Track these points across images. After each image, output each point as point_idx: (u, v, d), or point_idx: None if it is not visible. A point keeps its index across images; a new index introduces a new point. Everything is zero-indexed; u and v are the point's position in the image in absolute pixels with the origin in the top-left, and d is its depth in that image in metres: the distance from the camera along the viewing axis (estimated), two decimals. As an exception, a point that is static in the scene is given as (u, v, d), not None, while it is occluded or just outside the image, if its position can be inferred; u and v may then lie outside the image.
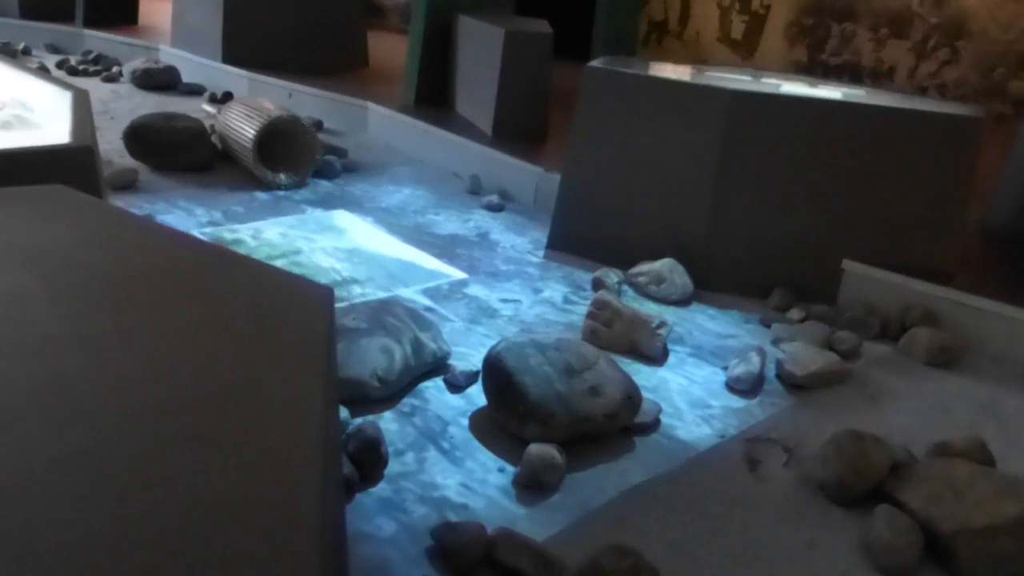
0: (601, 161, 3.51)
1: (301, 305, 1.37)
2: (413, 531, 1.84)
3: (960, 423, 2.50)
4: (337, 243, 3.52)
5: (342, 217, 3.83)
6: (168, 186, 4.05)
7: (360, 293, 3.02)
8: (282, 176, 4.16)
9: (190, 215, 3.69)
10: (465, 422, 2.28)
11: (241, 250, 3.23)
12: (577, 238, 3.58)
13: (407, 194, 4.31)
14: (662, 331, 2.76)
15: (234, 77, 6.32)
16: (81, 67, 6.65)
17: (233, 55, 6.50)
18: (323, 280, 3.00)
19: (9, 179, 1.76)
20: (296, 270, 3.07)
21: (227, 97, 5.90)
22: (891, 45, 6.96)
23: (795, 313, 3.14)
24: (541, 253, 3.61)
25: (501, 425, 2.23)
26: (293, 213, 3.81)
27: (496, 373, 2.24)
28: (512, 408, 2.17)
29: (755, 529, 1.96)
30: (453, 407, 2.35)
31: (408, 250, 3.51)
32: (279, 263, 3.13)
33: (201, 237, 3.29)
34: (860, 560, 1.89)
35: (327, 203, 4.02)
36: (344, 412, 2.15)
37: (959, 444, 2.20)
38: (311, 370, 1.17)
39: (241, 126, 4.16)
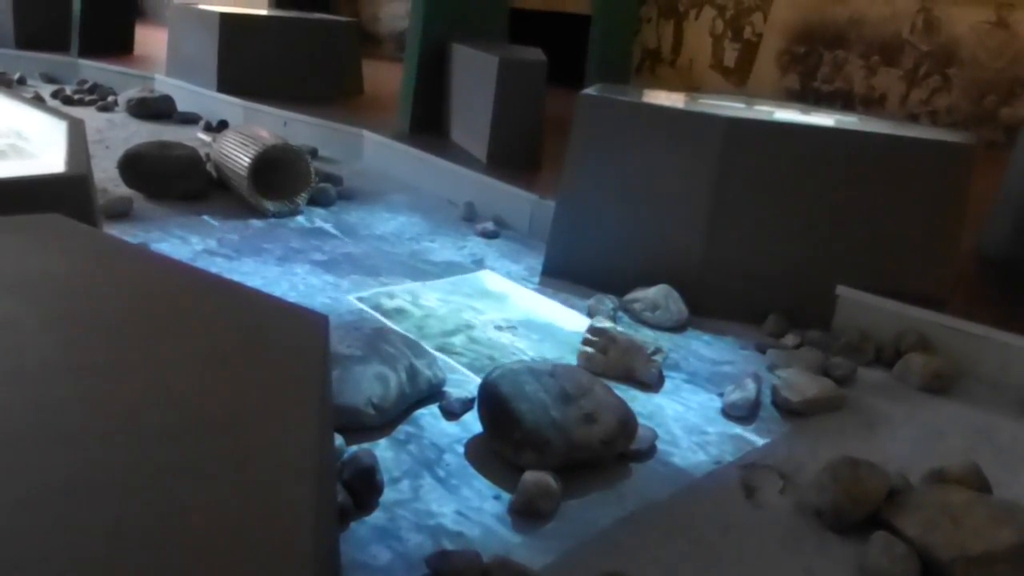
0: (595, 188, 3.52)
1: (296, 332, 1.36)
2: (408, 560, 1.83)
3: (955, 449, 2.49)
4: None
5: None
6: (163, 214, 4.06)
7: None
8: (277, 204, 4.16)
9: (185, 243, 3.69)
10: (460, 449, 2.28)
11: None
12: (572, 265, 3.59)
13: (402, 221, 4.31)
14: (657, 357, 2.76)
15: (229, 106, 6.35)
16: (76, 96, 6.68)
17: (228, 84, 6.54)
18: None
19: (4, 208, 1.76)
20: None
21: (222, 125, 5.93)
22: (882, 73, 7.02)
23: (790, 339, 3.14)
24: (536, 280, 3.61)
25: (496, 452, 2.22)
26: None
27: (491, 400, 2.23)
28: (507, 435, 2.17)
29: (752, 556, 1.95)
30: (448, 434, 2.35)
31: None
32: (457, 340, 2.90)
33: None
34: (858, 587, 1.88)
35: (324, 233, 4.02)
36: (339, 440, 2.14)
37: (955, 470, 2.19)
38: (306, 398, 1.17)
39: (236, 154, 4.17)
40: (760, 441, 2.47)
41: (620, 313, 3.28)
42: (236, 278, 3.01)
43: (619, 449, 2.24)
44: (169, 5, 9.32)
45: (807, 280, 3.28)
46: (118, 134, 5.62)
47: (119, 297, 1.45)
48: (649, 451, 2.33)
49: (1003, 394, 2.88)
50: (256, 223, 4.06)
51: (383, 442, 2.27)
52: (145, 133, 5.59)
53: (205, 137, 5.57)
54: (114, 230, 3.61)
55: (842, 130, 3.37)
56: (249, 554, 0.87)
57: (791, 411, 2.63)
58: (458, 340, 2.93)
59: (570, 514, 2.04)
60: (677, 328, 3.20)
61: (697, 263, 3.33)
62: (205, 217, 4.05)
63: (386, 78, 7.56)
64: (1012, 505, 2.04)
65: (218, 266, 3.44)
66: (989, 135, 6.51)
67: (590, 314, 3.19)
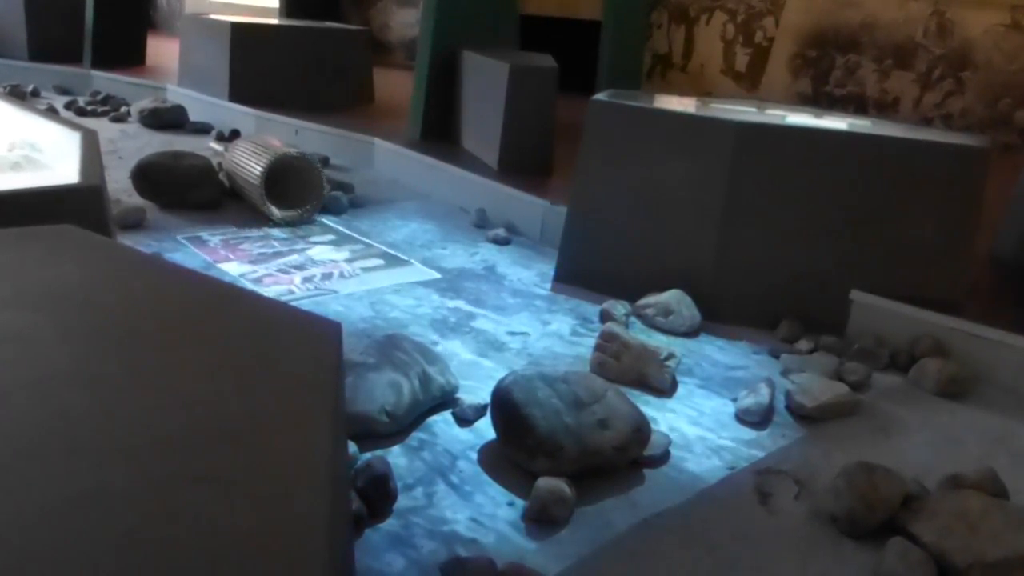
0: (607, 194, 3.52)
1: (309, 340, 1.37)
2: (422, 567, 1.82)
3: (972, 455, 2.48)
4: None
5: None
6: (176, 224, 4.07)
7: None
8: (289, 212, 4.18)
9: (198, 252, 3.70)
10: (474, 456, 2.28)
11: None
12: (584, 271, 3.58)
13: (414, 228, 4.32)
14: (670, 363, 2.76)
15: (241, 115, 6.37)
16: (89, 108, 6.72)
17: (239, 93, 6.57)
18: None
19: (19, 219, 1.77)
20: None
21: (234, 135, 5.95)
22: (895, 76, 7.00)
23: (804, 344, 3.13)
24: (548, 286, 3.61)
25: (510, 459, 2.22)
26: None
27: (504, 406, 2.23)
28: (521, 441, 2.17)
29: (767, 563, 1.94)
30: (462, 441, 2.35)
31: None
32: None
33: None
34: (874, 593, 1.87)
35: (336, 240, 4.03)
36: (352, 447, 2.14)
37: (971, 476, 2.18)
38: (319, 405, 1.17)
39: (248, 163, 4.18)
40: (774, 447, 2.46)
41: (632, 318, 3.27)
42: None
43: (632, 455, 2.24)
44: (180, 16, 9.38)
45: (821, 285, 3.27)
46: (131, 144, 5.65)
47: (133, 307, 1.46)
48: (663, 457, 2.32)
49: (1019, 399, 2.86)
50: (268, 232, 4.07)
51: (396, 449, 2.27)
52: (157, 143, 5.62)
53: (217, 147, 5.59)
54: (127, 240, 3.63)
55: (855, 134, 3.35)
56: (264, 563, 0.87)
57: (805, 416, 2.62)
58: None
59: (584, 521, 2.04)
60: (690, 333, 3.19)
61: (709, 268, 3.32)
62: (217, 226, 4.06)
63: (397, 86, 7.58)
64: (1029, 510, 2.02)
65: (219, 268, 3.44)
66: (1004, 138, 6.48)
67: (602, 320, 3.18)
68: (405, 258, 3.84)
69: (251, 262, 3.63)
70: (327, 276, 3.54)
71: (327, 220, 4.29)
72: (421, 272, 3.68)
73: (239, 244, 3.83)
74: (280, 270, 3.58)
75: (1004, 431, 2.64)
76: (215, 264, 3.54)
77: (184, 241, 3.79)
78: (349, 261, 3.75)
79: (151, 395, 1.16)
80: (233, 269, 3.53)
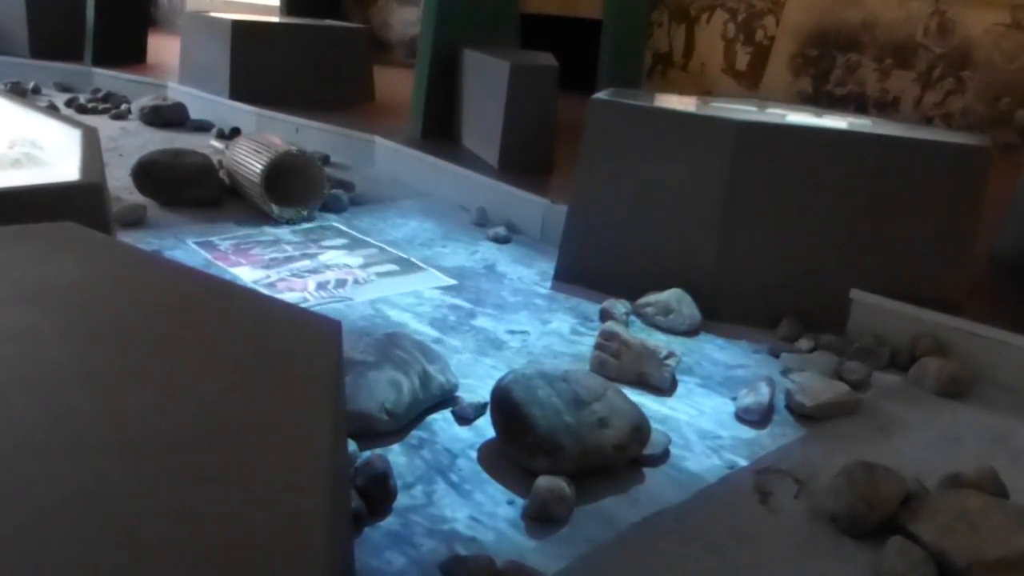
0: (607, 192, 3.52)
1: (310, 339, 1.36)
2: (422, 565, 1.82)
3: (972, 454, 2.48)
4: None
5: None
6: (176, 222, 4.07)
7: None
8: (289, 210, 4.17)
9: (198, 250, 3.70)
10: (474, 454, 2.27)
11: None
12: (584, 269, 3.58)
13: (414, 227, 4.32)
14: (670, 362, 2.75)
15: (241, 113, 6.37)
16: (90, 105, 6.72)
17: (240, 91, 6.57)
18: None
19: (19, 216, 1.77)
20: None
21: (235, 133, 5.95)
22: (896, 75, 6.99)
23: (804, 343, 3.13)
24: (548, 284, 3.61)
25: (510, 457, 2.22)
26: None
27: (504, 405, 2.23)
28: (520, 440, 2.17)
29: (767, 562, 1.94)
30: (461, 439, 2.35)
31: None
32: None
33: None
34: (873, 593, 1.87)
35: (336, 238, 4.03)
36: (352, 445, 2.14)
37: (971, 475, 2.18)
38: (320, 404, 1.17)
39: (248, 161, 4.18)
40: (774, 445, 2.46)
41: (632, 317, 3.27)
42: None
43: (632, 454, 2.24)
44: (181, 13, 9.37)
45: (821, 283, 3.27)
46: (131, 142, 5.65)
47: (133, 304, 1.46)
48: (662, 456, 2.32)
49: (1020, 398, 2.86)
50: (269, 230, 4.07)
51: (396, 447, 2.27)
52: (158, 141, 5.61)
53: (218, 144, 5.59)
54: (128, 238, 3.62)
55: (855, 133, 3.35)
56: (263, 561, 0.87)
57: (805, 415, 2.62)
58: None
59: (584, 519, 2.04)
60: (690, 332, 3.19)
61: (710, 267, 3.32)
62: (218, 224, 4.06)
63: (397, 84, 7.57)
64: (1029, 509, 2.02)
65: (231, 273, 3.44)
66: (1004, 137, 6.47)
67: (602, 318, 3.18)
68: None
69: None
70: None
71: (336, 223, 4.29)
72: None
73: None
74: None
75: (1004, 430, 2.64)
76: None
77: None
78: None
79: (150, 393, 1.16)
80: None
